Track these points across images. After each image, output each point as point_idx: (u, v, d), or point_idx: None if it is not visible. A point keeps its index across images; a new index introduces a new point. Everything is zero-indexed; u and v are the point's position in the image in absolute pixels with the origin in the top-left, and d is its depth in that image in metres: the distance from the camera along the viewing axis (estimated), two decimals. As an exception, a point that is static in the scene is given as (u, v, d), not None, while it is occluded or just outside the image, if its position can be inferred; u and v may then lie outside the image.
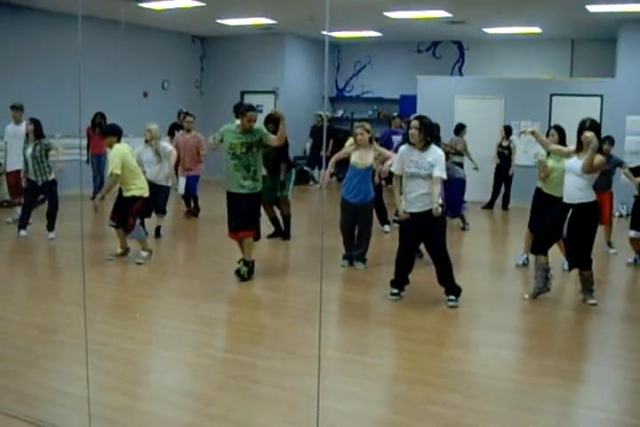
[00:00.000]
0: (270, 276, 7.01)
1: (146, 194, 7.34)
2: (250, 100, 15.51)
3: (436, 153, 5.75)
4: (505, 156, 11.84)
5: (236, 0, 10.92)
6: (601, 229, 7.08)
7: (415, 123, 5.76)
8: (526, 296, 6.12)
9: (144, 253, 7.32)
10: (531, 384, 4.22)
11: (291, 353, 4.70)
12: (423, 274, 6.37)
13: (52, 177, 8.39)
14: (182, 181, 9.78)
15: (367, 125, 7.16)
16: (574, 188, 5.79)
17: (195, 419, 3.71)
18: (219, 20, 13.13)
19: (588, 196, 5.78)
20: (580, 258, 5.90)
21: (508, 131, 11.80)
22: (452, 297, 5.95)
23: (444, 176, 5.77)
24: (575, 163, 5.81)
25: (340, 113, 16.42)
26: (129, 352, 4.70)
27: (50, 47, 11.63)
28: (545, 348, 4.97)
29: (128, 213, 7.17)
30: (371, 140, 7.10)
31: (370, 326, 5.55)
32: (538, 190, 7.10)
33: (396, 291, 6.05)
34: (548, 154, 6.83)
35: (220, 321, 5.67)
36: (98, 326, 5.01)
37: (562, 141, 6.73)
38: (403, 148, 5.96)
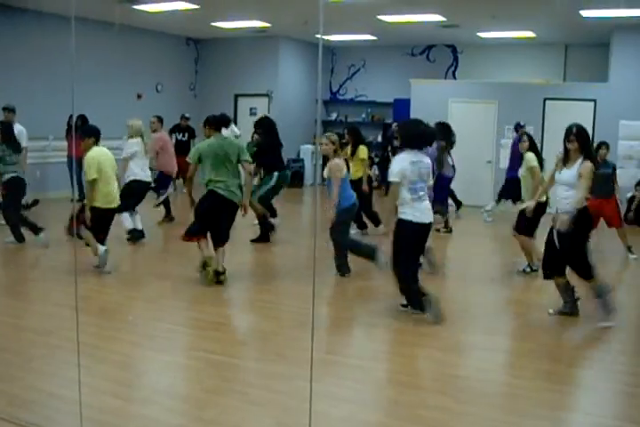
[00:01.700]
0: (263, 279, 7.00)
1: (112, 205, 6.93)
2: (244, 102, 15.57)
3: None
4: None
5: (230, 3, 10.94)
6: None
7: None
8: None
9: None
10: (524, 388, 4.21)
11: (283, 356, 4.68)
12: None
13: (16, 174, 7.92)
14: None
15: (333, 137, 6.85)
16: (562, 198, 5.48)
17: (186, 422, 3.69)
18: (213, 23, 13.13)
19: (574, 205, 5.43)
20: (579, 268, 5.52)
21: None
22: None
23: (390, 179, 5.39)
24: (568, 175, 5.46)
25: (333, 116, 16.44)
26: (121, 355, 4.68)
27: (43, 49, 11.54)
28: (538, 352, 4.95)
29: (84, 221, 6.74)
30: (335, 152, 6.80)
31: (363, 330, 5.54)
32: None
33: None
34: (540, 164, 6.94)
35: (213, 324, 5.63)
36: (90, 329, 4.99)
37: (532, 146, 7.07)
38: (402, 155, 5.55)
